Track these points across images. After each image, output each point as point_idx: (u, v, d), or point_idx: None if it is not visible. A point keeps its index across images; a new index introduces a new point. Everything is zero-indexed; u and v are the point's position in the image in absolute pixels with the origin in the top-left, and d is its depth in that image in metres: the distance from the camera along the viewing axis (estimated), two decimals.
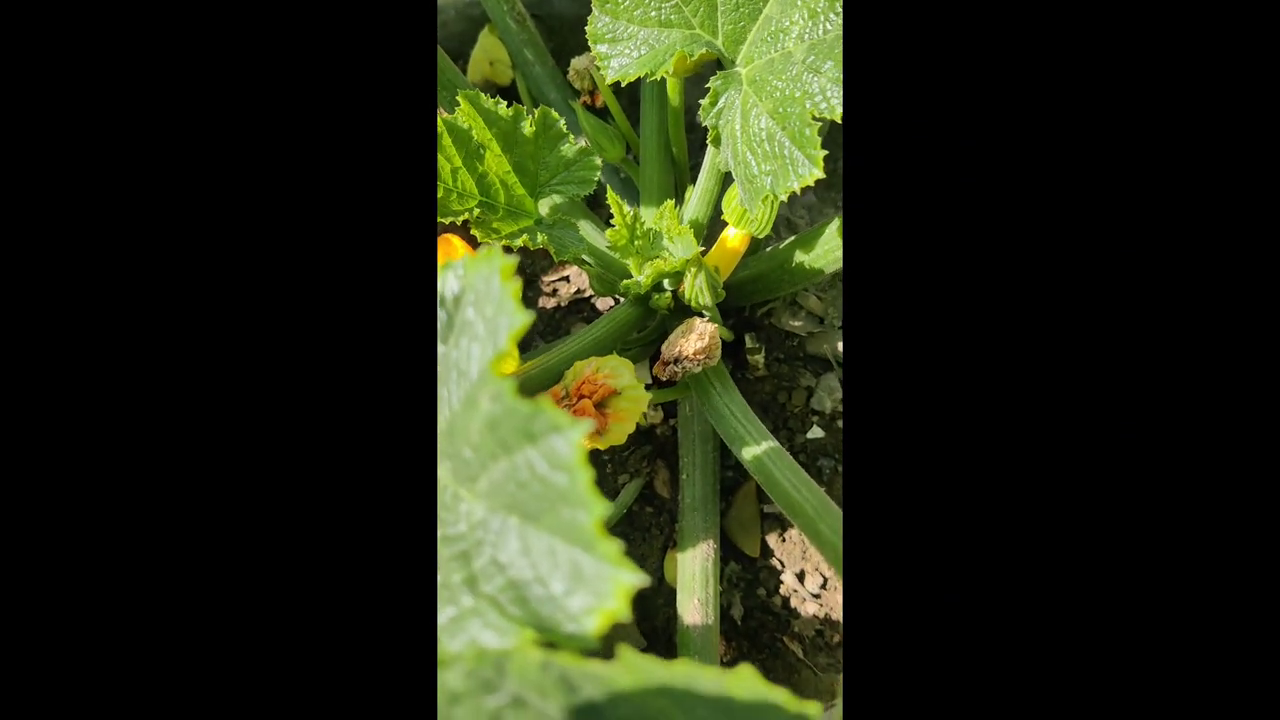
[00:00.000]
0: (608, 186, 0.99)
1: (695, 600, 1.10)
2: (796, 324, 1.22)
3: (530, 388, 0.86)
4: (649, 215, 1.13)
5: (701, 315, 1.00)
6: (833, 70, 0.73)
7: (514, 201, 0.95)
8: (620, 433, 0.83)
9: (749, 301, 1.14)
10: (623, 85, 0.87)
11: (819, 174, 0.74)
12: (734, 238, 0.99)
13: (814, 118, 0.74)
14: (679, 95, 0.99)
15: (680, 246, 0.93)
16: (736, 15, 0.83)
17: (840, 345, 1.22)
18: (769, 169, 0.79)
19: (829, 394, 1.23)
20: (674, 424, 1.26)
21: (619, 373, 0.83)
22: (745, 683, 0.38)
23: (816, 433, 1.23)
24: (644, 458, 1.26)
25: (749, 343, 1.23)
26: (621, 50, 0.86)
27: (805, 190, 1.31)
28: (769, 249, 1.10)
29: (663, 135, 1.08)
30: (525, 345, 1.29)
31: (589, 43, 0.87)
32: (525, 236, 0.87)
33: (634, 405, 0.83)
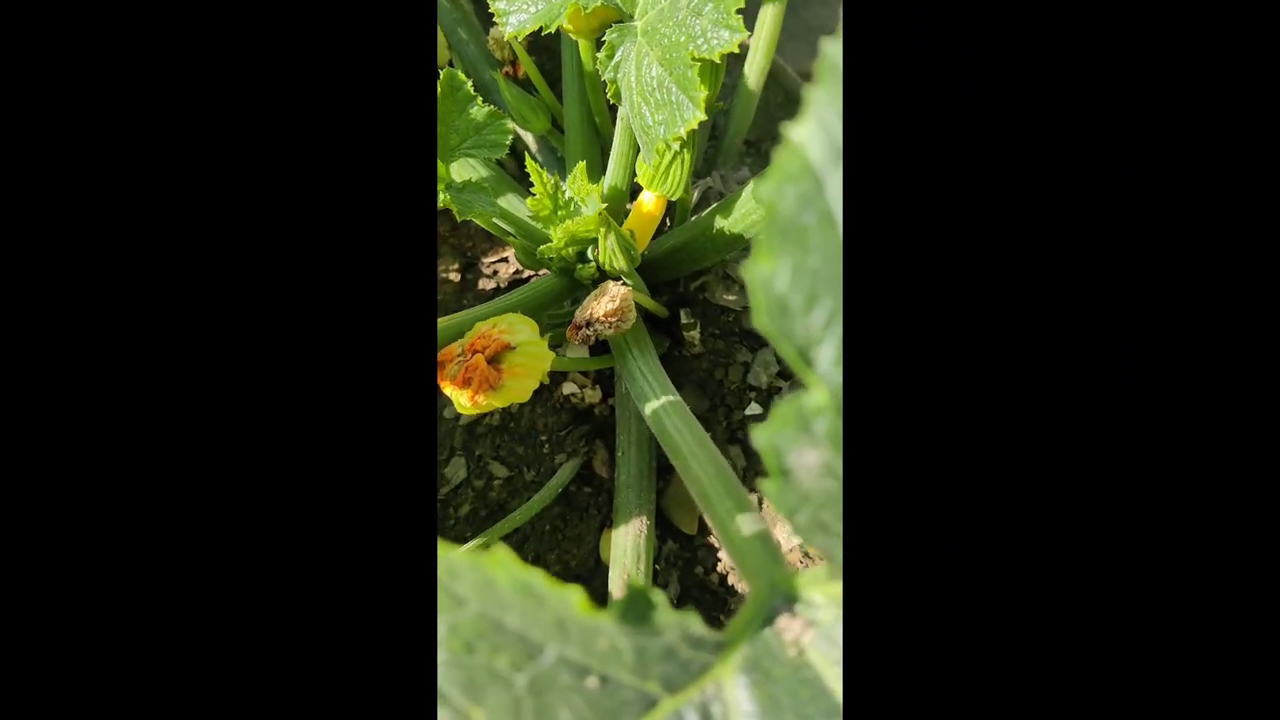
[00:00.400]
0: (526, 155, 0.99)
1: (625, 576, 1.08)
2: (730, 298, 1.20)
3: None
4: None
5: (618, 279, 0.99)
6: (712, 12, 0.72)
7: None
8: (519, 389, 0.82)
9: (677, 273, 1.13)
10: (520, 40, 0.87)
11: (701, 116, 0.73)
12: (649, 202, 0.98)
13: (693, 59, 0.73)
14: (591, 57, 0.99)
15: (588, 206, 0.92)
16: None
17: None
18: (661, 118, 0.78)
19: (765, 369, 1.21)
20: (613, 404, 1.25)
21: (516, 328, 0.82)
22: (503, 566, 0.36)
23: (755, 409, 1.21)
24: (582, 438, 1.24)
25: (684, 318, 1.21)
26: (519, 6, 0.85)
27: (739, 165, 1.30)
28: (693, 218, 1.09)
29: (585, 104, 1.08)
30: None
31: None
32: None
33: (532, 362, 0.82)
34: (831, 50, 0.35)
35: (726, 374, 1.22)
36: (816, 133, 0.36)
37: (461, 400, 0.81)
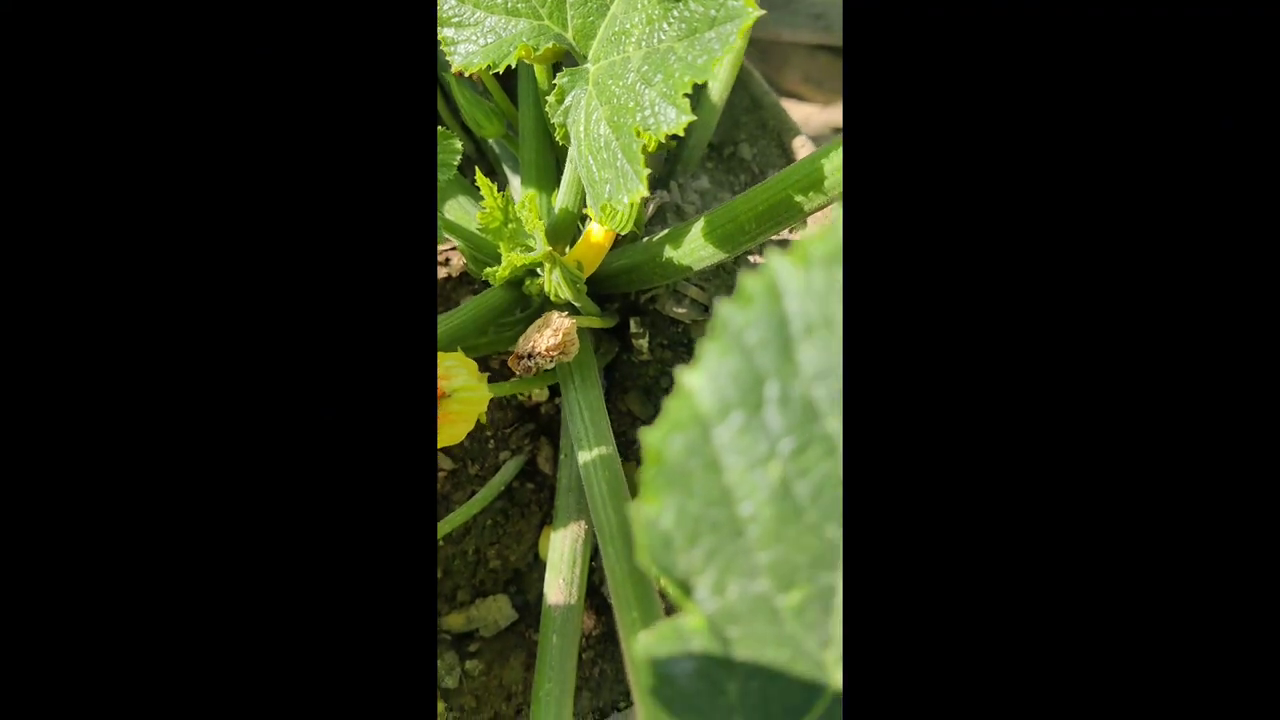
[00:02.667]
0: (476, 167, 0.97)
1: (560, 580, 1.11)
2: (680, 311, 1.21)
3: None
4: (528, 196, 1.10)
5: (562, 310, 0.99)
6: (662, 84, 0.70)
7: None
8: (452, 434, 0.83)
9: (625, 290, 1.13)
10: (467, 75, 0.84)
11: (644, 192, 0.72)
12: (597, 233, 0.98)
13: (638, 133, 0.71)
14: (547, 79, 0.96)
15: (537, 241, 0.91)
16: (585, 10, 0.80)
17: None
18: (607, 176, 0.77)
19: None
20: (559, 402, 1.26)
21: (452, 374, 0.83)
22: None
23: None
24: (527, 435, 1.26)
25: (633, 327, 1.22)
26: (468, 36, 0.82)
27: (699, 174, 1.29)
28: (644, 239, 1.08)
29: (540, 111, 1.05)
30: None
31: (437, 25, 0.83)
32: None
33: (467, 407, 0.83)
34: (724, 311, 0.36)
35: (672, 383, 1.24)
36: (706, 383, 0.37)
37: None
